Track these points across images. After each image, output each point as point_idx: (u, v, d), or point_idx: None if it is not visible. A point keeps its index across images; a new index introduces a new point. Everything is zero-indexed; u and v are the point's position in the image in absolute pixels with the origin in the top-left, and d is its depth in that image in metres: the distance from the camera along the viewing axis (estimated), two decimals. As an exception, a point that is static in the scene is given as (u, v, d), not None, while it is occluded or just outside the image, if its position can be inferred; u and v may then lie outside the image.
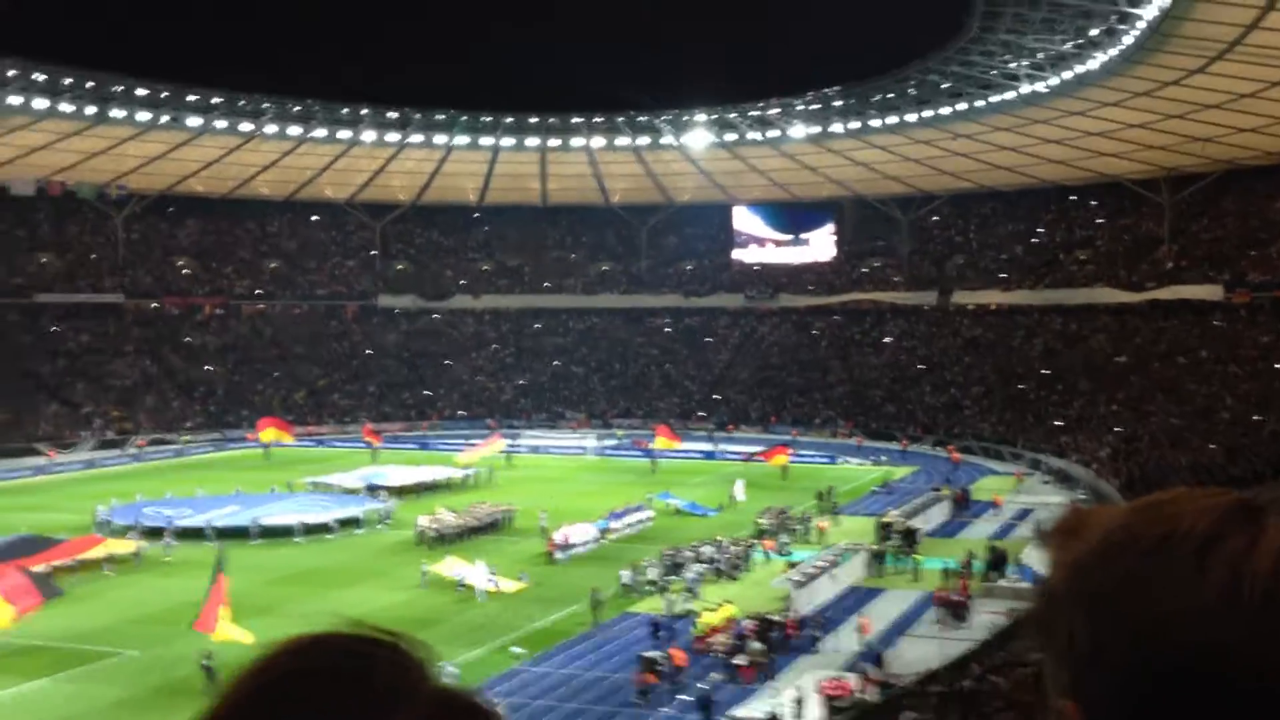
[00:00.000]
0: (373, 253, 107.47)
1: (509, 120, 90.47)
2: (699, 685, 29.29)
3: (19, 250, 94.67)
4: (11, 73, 72.68)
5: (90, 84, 76.60)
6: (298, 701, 1.14)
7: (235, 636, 30.37)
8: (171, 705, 29.22)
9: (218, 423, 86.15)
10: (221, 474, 67.82)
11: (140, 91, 79.13)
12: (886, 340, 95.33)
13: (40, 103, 75.95)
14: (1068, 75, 67.71)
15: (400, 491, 59.51)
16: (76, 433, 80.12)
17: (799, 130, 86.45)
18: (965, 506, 56.55)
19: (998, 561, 42.00)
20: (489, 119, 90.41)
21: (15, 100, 74.69)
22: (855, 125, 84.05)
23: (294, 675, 1.17)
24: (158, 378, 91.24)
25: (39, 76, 74.19)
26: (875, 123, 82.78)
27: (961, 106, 77.59)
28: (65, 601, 39.06)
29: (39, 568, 41.25)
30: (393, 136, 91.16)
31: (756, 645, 32.44)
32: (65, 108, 77.44)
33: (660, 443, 69.64)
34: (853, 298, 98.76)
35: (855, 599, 39.75)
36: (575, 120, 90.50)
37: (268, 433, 74.10)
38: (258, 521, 50.27)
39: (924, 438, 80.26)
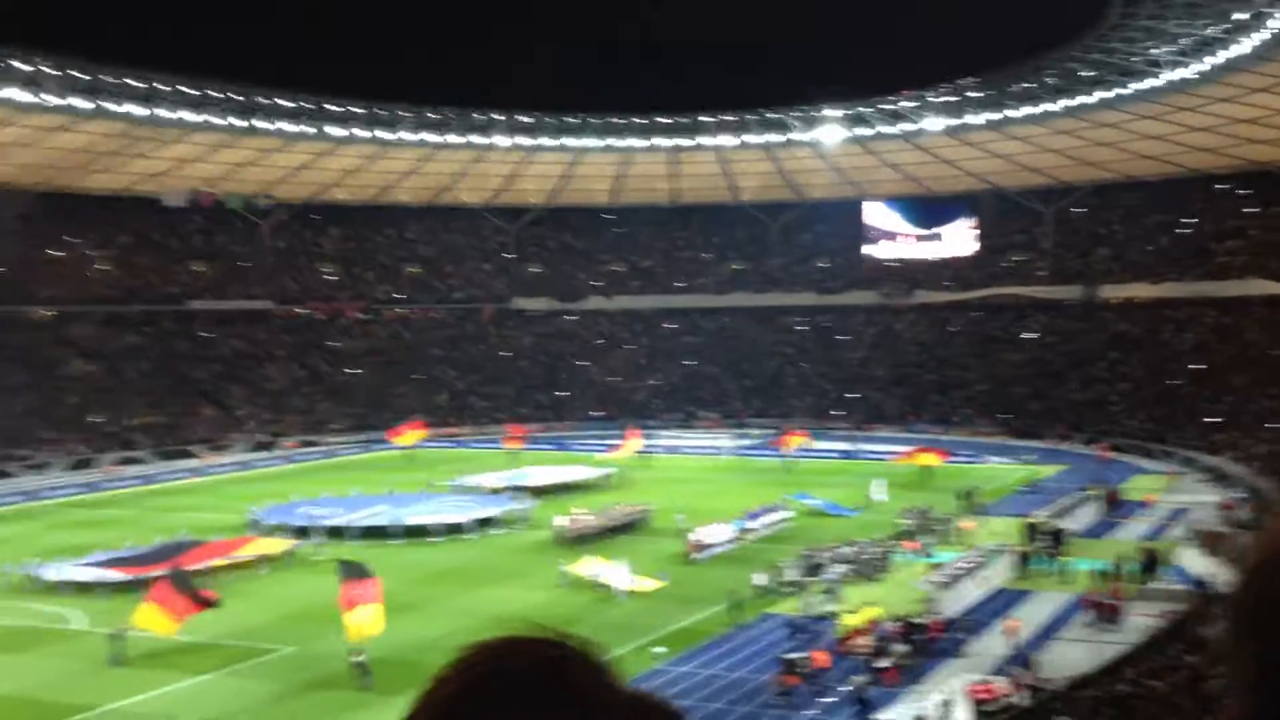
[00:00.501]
0: (507, 256, 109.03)
1: (640, 121, 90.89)
2: (854, 679, 29.13)
3: (173, 260, 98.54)
4: (164, 88, 75.63)
5: (238, 97, 79.30)
6: (502, 703, 1.17)
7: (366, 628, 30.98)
8: (326, 700, 30.11)
9: (363, 425, 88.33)
10: (367, 475, 69.53)
11: (285, 103, 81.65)
12: (1028, 336, 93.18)
13: (191, 116, 78.87)
14: (1214, 61, 65.31)
15: (539, 492, 60.25)
16: (230, 435, 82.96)
17: (934, 123, 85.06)
18: (1116, 506, 54.94)
19: (1150, 563, 40.73)
20: (620, 121, 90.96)
21: (168, 114, 77.70)
22: (993, 116, 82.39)
23: (497, 677, 1.20)
24: (305, 381, 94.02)
25: (190, 91, 77.04)
26: (1014, 113, 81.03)
27: (1103, 95, 75.47)
28: (226, 599, 40.53)
29: (197, 567, 42.97)
30: (525, 141, 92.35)
31: (900, 647, 32.04)
32: (215, 120, 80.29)
33: (792, 441, 69.34)
34: (993, 293, 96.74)
35: (1002, 601, 38.95)
36: (705, 119, 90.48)
37: (405, 436, 75.91)
38: (399, 521, 51.43)
39: (1070, 435, 78.24)
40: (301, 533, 50.10)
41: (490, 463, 70.91)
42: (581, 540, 48.07)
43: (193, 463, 76.17)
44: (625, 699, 1.23)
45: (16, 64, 68.64)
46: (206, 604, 33.42)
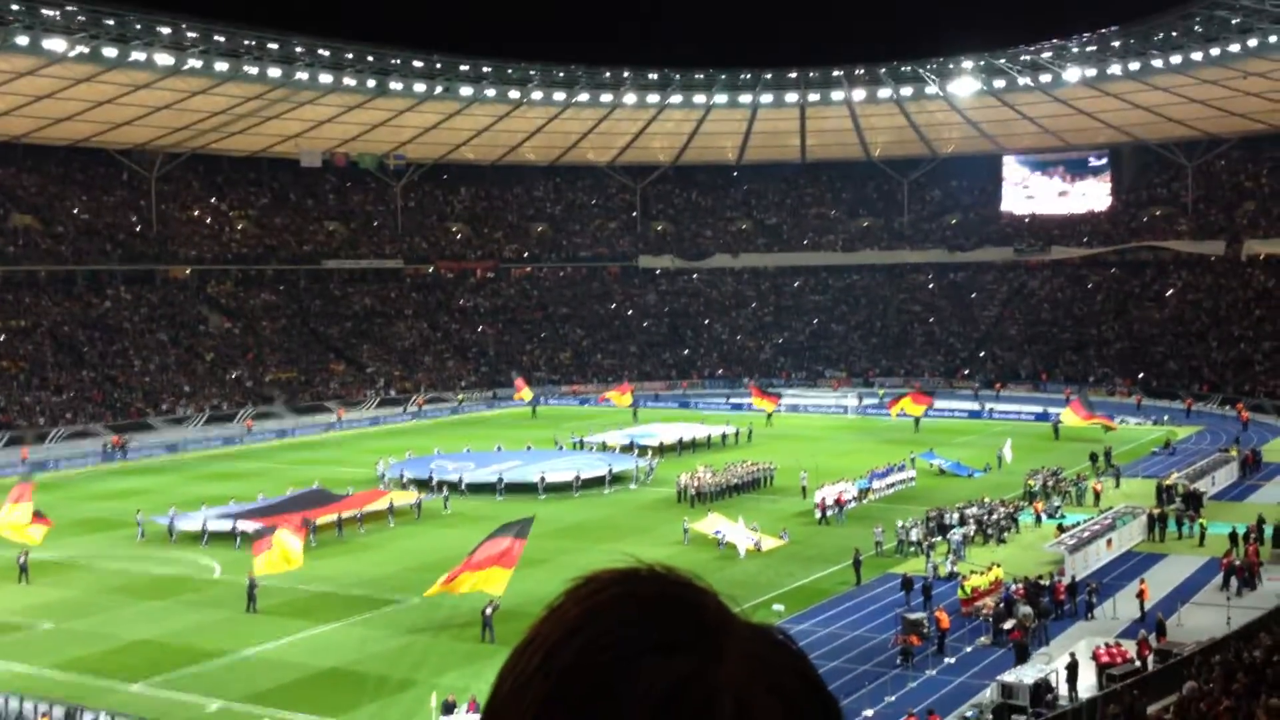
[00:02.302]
0: (633, 214, 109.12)
1: (768, 76, 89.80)
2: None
3: (308, 219, 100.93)
4: (299, 49, 77.21)
5: (371, 58, 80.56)
6: (630, 623, 1.17)
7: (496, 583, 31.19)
8: (451, 650, 30.70)
9: (490, 382, 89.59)
10: (493, 431, 70.57)
11: (417, 63, 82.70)
12: (1169, 293, 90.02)
13: (325, 77, 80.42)
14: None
15: (662, 449, 60.45)
16: (362, 391, 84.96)
17: (1073, 73, 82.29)
18: (1255, 469, 52.90)
19: (1292, 528, 39.11)
20: (748, 76, 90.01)
21: (303, 75, 79.34)
22: (1135, 66, 79.36)
23: (624, 598, 1.19)
24: (434, 339, 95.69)
25: (324, 52, 78.50)
26: (1157, 63, 77.92)
27: (1252, 43, 72.07)
28: (354, 550, 41.62)
29: (329, 518, 44.18)
30: (653, 98, 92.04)
31: (1025, 610, 31.36)
32: (348, 81, 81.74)
33: (906, 406, 66.64)
34: (1131, 248, 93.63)
35: (1133, 564, 37.88)
36: (835, 73, 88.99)
37: (523, 391, 76.83)
38: (528, 477, 52.05)
39: (1210, 396, 75.53)
40: (432, 486, 51.10)
41: (613, 420, 71.31)
42: (703, 497, 48.14)
43: (326, 417, 78.19)
44: (746, 626, 1.22)
45: (162, 28, 70.73)
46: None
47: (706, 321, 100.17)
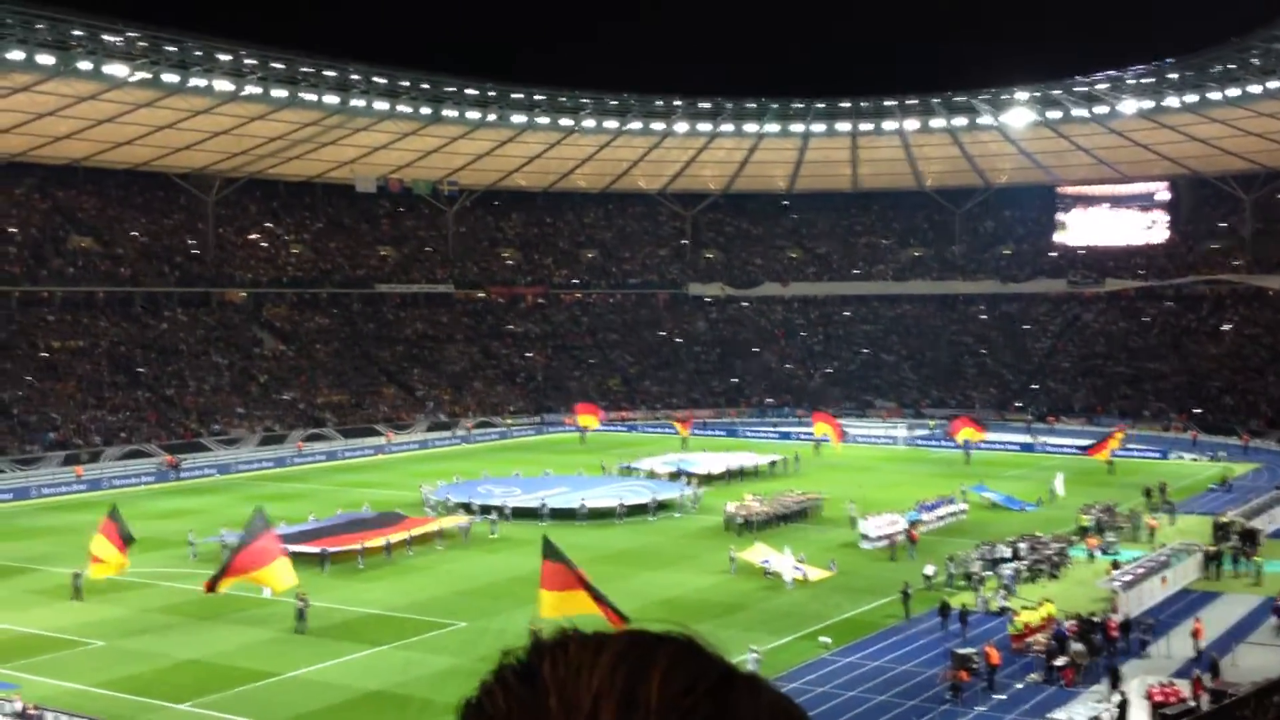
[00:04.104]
0: (683, 242, 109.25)
1: (820, 105, 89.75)
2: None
3: (362, 244, 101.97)
4: (355, 76, 78.19)
5: (425, 85, 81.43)
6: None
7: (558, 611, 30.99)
8: (494, 676, 30.67)
9: (538, 407, 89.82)
10: (541, 456, 70.68)
11: (470, 91, 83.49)
12: (1226, 327, 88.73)
13: (380, 104, 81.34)
14: None
15: (708, 478, 60.29)
16: (412, 415, 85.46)
17: (1129, 105, 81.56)
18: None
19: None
20: (800, 105, 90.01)
21: (358, 102, 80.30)
22: (1192, 99, 78.54)
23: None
24: (484, 364, 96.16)
25: (379, 79, 79.44)
26: (1215, 95, 77.06)
27: (1315, 74, 71.13)
28: (402, 573, 41.75)
29: (379, 541, 44.36)
30: (704, 126, 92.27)
31: (1078, 646, 30.91)
32: (403, 108, 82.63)
33: (965, 433, 66.81)
34: (1188, 282, 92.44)
35: (1188, 602, 37.23)
36: (888, 103, 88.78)
37: (584, 418, 76.88)
38: (575, 504, 52.10)
39: (1268, 432, 74.27)
40: (479, 510, 51.22)
41: (663, 447, 71.22)
42: (750, 526, 47.93)
43: (376, 440, 78.69)
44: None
45: (221, 55, 71.90)
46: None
47: (755, 350, 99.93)
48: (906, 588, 36.27)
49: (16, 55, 64.37)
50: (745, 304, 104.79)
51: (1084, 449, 64.89)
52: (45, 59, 65.55)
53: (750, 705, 1.29)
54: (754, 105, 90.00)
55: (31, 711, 25.75)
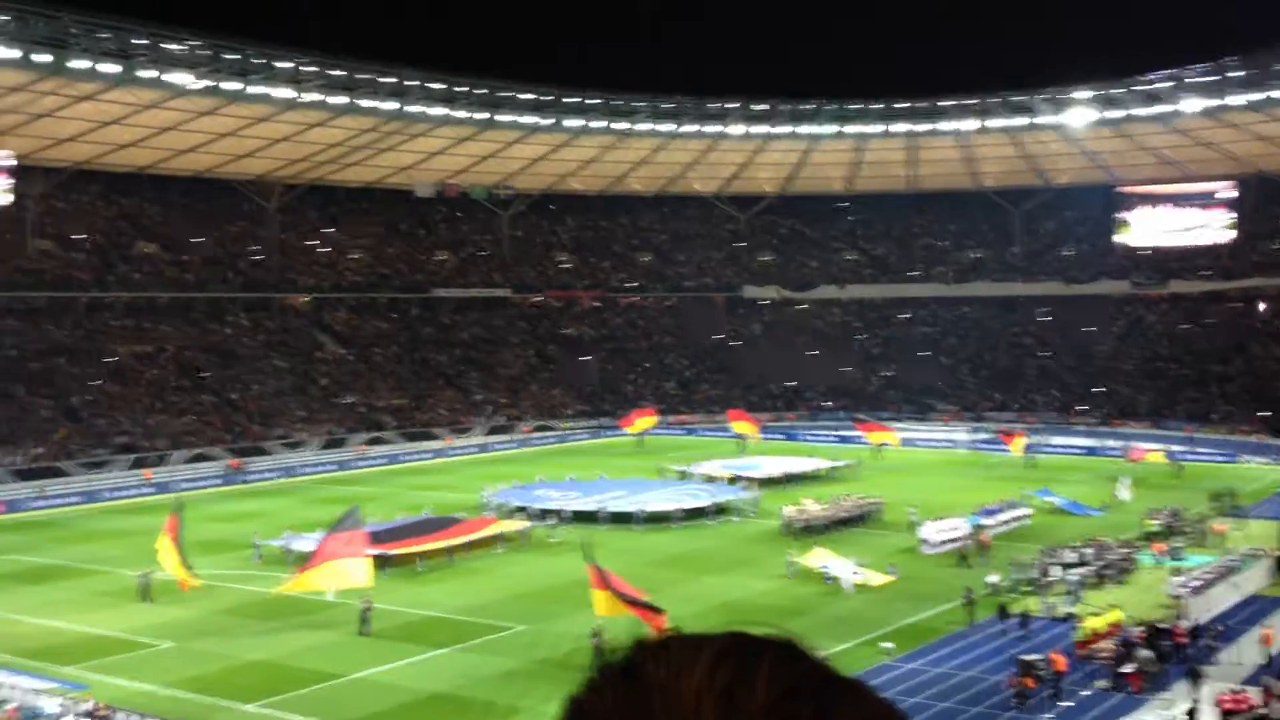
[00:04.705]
0: (739, 244, 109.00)
1: (877, 107, 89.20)
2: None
3: (419, 249, 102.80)
4: (412, 83, 78.83)
5: (481, 91, 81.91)
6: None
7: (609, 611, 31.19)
8: (558, 678, 30.70)
9: (594, 411, 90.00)
10: (597, 460, 70.79)
11: (525, 96, 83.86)
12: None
13: (437, 110, 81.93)
14: None
15: (765, 482, 60.07)
16: (470, 418, 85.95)
17: (1192, 104, 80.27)
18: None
19: None
20: (856, 106, 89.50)
21: (416, 109, 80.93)
22: (1256, 97, 77.15)
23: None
24: (540, 367, 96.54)
25: (436, 86, 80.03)
26: (1279, 94, 75.65)
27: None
28: (463, 576, 41.98)
29: (438, 544, 44.67)
30: (760, 128, 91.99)
31: (1145, 653, 30.46)
32: (459, 114, 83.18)
33: (1017, 446, 66.03)
34: (1254, 283, 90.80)
35: (1257, 608, 36.57)
36: (945, 103, 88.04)
37: (639, 423, 76.98)
38: (632, 507, 52.14)
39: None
40: (537, 514, 51.42)
41: (719, 451, 71.09)
42: (809, 531, 47.71)
43: (435, 444, 79.22)
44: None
45: (280, 63, 72.75)
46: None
47: (812, 353, 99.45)
48: (969, 594, 35.92)
49: (81, 64, 65.53)
50: (802, 306, 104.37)
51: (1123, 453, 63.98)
52: (109, 68, 66.65)
53: (853, 710, 1.30)
54: (810, 107, 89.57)
55: (102, 712, 26.15)
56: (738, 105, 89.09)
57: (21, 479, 62.40)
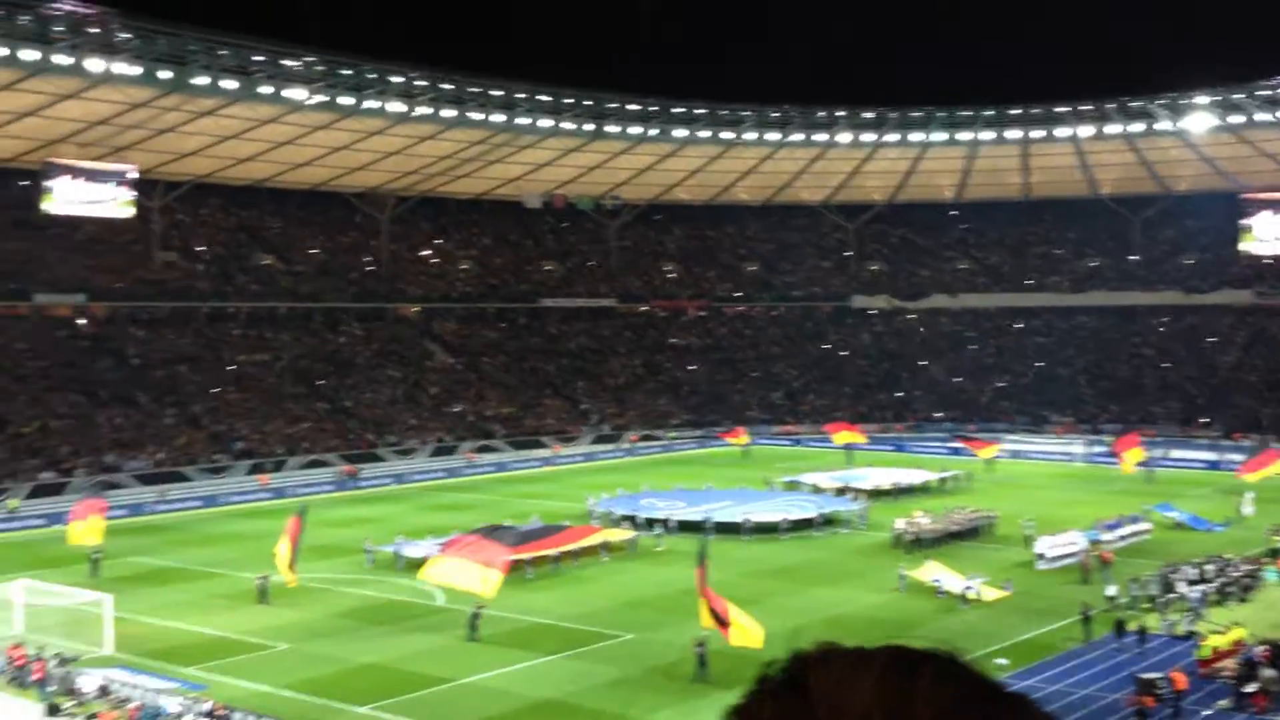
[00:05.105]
0: (847, 254, 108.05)
1: (989, 113, 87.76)
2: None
3: (527, 259, 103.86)
4: (520, 95, 79.76)
5: (589, 102, 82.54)
6: None
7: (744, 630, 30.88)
8: (664, 688, 30.69)
9: (700, 421, 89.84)
10: (703, 470, 70.63)
11: (632, 107, 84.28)
12: None
13: (545, 122, 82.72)
14: None
15: (874, 493, 59.33)
16: (576, 427, 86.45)
17: (1320, 106, 77.50)
18: None
19: None
20: (968, 113, 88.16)
21: (524, 120, 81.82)
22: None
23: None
24: (646, 377, 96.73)
25: (544, 98, 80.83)
26: None
27: None
28: (569, 584, 42.16)
29: (546, 552, 44.91)
30: (868, 136, 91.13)
31: (1269, 673, 29.39)
32: (567, 125, 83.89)
33: (1130, 455, 62.70)
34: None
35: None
36: (1060, 109, 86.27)
37: (738, 438, 77.41)
38: (737, 517, 51.89)
39: None
40: (643, 523, 51.46)
41: (826, 462, 70.46)
42: (921, 544, 46.97)
43: (542, 452, 79.82)
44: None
45: (393, 77, 74.19)
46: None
47: (922, 363, 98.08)
48: (1087, 610, 35.02)
49: (202, 80, 67.50)
50: (912, 316, 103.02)
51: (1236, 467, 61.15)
52: (229, 84, 68.54)
53: None
54: (920, 114, 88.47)
55: (220, 712, 26.76)
56: (845, 113, 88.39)
57: (144, 483, 64.33)
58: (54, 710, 28.33)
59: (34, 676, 30.23)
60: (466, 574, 32.62)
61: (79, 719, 27.59)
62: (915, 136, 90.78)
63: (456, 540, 35.25)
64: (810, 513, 53.35)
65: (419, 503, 61.78)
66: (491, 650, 34.00)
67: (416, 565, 44.35)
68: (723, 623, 29.87)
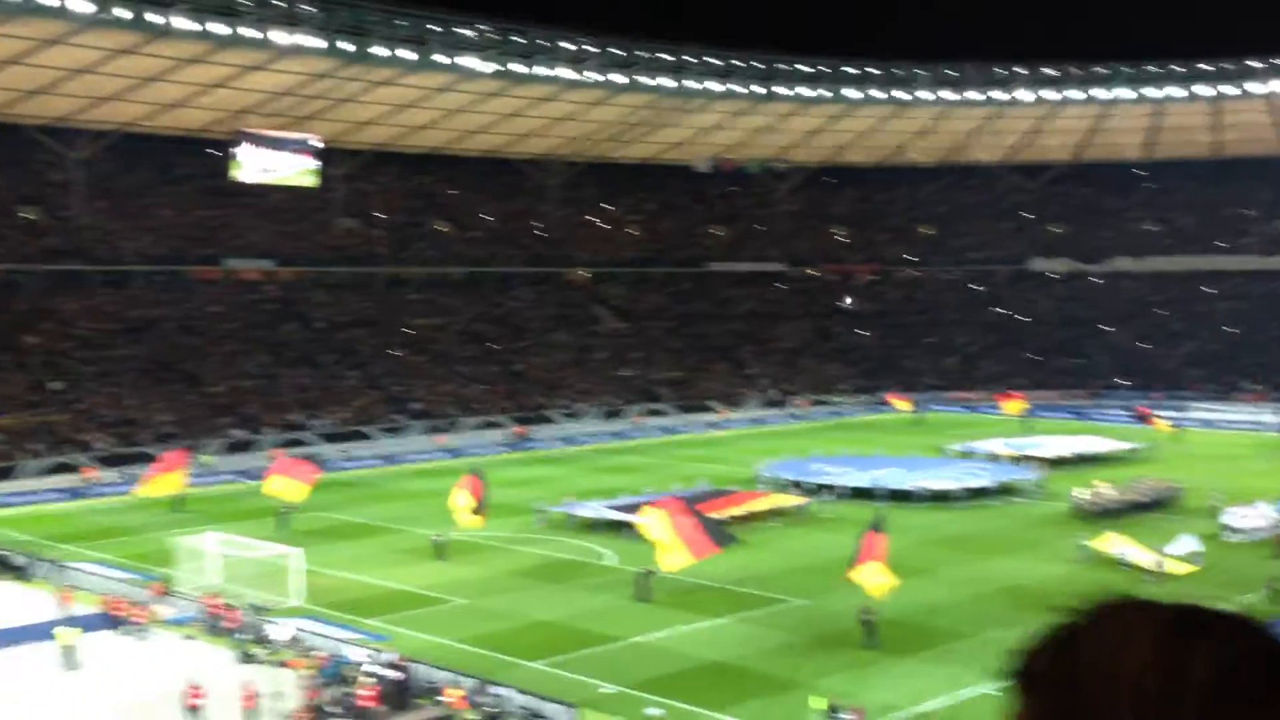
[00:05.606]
0: (1025, 215, 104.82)
1: (1177, 69, 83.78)
2: None
3: (694, 223, 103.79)
4: (690, 58, 79.52)
5: (758, 64, 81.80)
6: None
7: (878, 586, 30.94)
8: (833, 654, 30.48)
9: (870, 386, 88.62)
10: (873, 436, 69.73)
11: (802, 67, 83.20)
12: None
13: (714, 85, 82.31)
14: None
15: (1054, 462, 57.63)
16: (743, 392, 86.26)
17: None
18: None
19: None
20: (1155, 69, 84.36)
21: (693, 84, 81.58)
22: None
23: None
24: (815, 342, 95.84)
25: (713, 60, 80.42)
26: None
27: None
28: (740, 549, 42.14)
29: (714, 516, 44.94)
30: (1049, 94, 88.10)
31: None
32: (736, 88, 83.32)
33: None
34: None
35: None
36: (1253, 63, 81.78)
37: (901, 402, 76.45)
38: (910, 484, 51.08)
39: None
40: (812, 489, 51.09)
41: (1001, 429, 68.75)
42: (1102, 515, 45.47)
43: (709, 416, 79.92)
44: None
45: (564, 44, 74.83)
46: (721, 543, 34.29)
47: (1105, 328, 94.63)
48: (1271, 585, 33.42)
49: (381, 51, 69.24)
50: (1094, 279, 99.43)
51: None
52: (406, 54, 70.14)
53: None
54: (1104, 70, 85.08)
55: (402, 663, 27.63)
56: (1025, 70, 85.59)
57: (329, 441, 66.80)
58: (247, 658, 29.69)
59: (228, 625, 31.72)
60: (682, 537, 32.79)
61: (270, 666, 28.84)
62: (1099, 93, 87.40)
63: (677, 503, 35.46)
64: (985, 481, 52.15)
65: (588, 464, 62.60)
66: (661, 611, 34.26)
67: (586, 525, 45.15)
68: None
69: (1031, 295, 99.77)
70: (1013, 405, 71.52)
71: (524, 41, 73.85)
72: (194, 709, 25.36)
